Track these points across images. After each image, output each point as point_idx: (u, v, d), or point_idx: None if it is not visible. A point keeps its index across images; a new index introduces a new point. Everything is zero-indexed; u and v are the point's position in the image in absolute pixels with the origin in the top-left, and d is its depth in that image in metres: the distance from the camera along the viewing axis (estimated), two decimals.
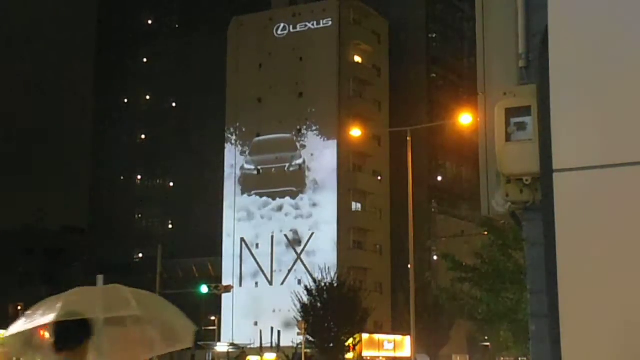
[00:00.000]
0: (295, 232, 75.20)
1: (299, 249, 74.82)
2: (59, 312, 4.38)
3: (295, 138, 76.40)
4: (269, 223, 76.29)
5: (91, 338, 4.41)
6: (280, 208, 76.37)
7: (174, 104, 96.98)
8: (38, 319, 4.50)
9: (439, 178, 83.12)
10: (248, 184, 78.01)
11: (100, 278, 4.83)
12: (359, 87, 77.82)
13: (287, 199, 76.12)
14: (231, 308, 74.63)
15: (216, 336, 66.85)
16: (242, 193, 78.39)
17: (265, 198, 77.11)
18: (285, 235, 75.38)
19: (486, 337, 43.24)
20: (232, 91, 79.39)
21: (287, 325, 60.92)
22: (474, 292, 24.82)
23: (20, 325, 4.63)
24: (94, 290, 5.00)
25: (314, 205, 74.50)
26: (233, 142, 79.61)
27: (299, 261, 74.13)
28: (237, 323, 73.42)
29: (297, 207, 75.65)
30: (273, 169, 76.87)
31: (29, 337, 4.54)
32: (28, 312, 4.56)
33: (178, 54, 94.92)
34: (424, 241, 68.62)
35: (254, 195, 77.69)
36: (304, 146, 75.99)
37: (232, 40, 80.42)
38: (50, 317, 4.39)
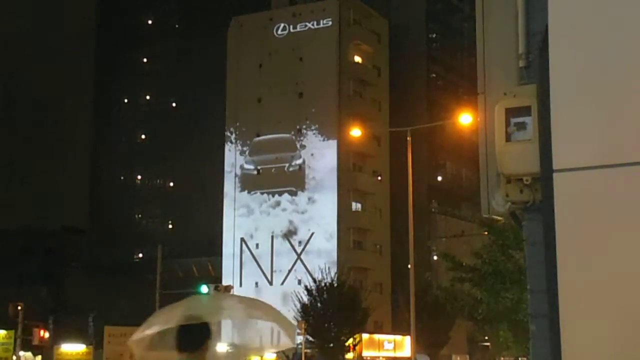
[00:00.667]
0: (291, 223, 75.14)
1: (294, 242, 74.77)
2: (180, 317, 4.87)
3: (295, 138, 76.39)
4: (269, 223, 76.27)
5: (210, 340, 4.96)
6: (280, 208, 76.36)
7: (174, 104, 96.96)
8: (161, 324, 5.04)
9: (439, 178, 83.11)
10: (248, 184, 78.00)
11: (211, 287, 5.35)
12: (359, 87, 77.81)
13: (287, 198, 76.11)
14: None
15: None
16: (242, 193, 78.38)
17: (265, 198, 77.10)
18: (286, 235, 75.38)
19: (486, 337, 43.29)
20: (232, 91, 79.37)
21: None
22: (473, 292, 24.84)
23: (141, 332, 5.18)
24: (208, 297, 5.38)
25: (314, 205, 74.50)
26: (233, 142, 79.60)
27: (299, 261, 74.13)
28: None
29: (297, 207, 75.64)
30: (273, 169, 76.86)
31: (149, 341, 5.07)
32: (149, 318, 5.17)
33: (178, 54, 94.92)
34: (424, 241, 68.62)
35: (253, 195, 77.69)
36: (303, 146, 75.98)
37: (232, 40, 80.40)
38: (172, 322, 4.89)
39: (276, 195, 76.62)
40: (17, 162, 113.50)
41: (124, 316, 57.65)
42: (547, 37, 3.62)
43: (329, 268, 57.56)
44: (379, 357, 59.05)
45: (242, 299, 5.76)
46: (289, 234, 75.41)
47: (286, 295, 61.82)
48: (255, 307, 5.55)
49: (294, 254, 74.75)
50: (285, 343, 5.54)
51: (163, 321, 5.09)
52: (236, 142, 79.39)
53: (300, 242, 74.84)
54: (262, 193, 77.24)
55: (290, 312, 56.33)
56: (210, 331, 4.99)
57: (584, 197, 3.43)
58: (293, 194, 76.00)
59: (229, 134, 79.89)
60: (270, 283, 75.32)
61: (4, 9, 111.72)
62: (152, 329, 5.07)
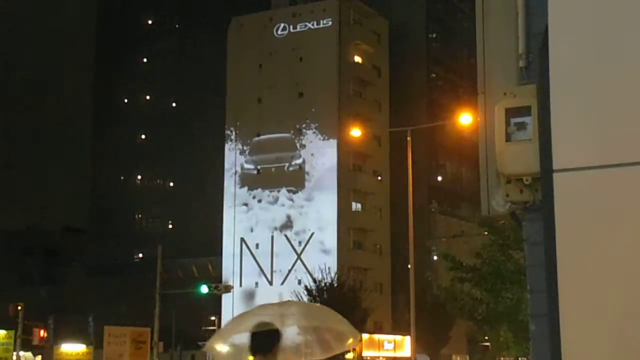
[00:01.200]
0: (291, 223, 75.14)
1: (294, 241, 74.76)
2: (253, 325, 5.55)
3: (295, 138, 76.39)
4: (269, 222, 76.26)
5: (279, 343, 5.51)
6: (280, 208, 76.36)
7: (174, 104, 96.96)
8: (235, 332, 5.80)
9: (439, 178, 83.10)
10: (248, 184, 78.00)
11: (284, 296, 5.94)
12: (359, 87, 77.81)
13: (287, 198, 76.12)
14: (231, 308, 74.61)
15: None
16: (242, 193, 78.38)
17: (265, 198, 77.10)
18: (286, 235, 75.37)
19: (486, 337, 43.21)
20: (232, 91, 79.38)
21: None
22: (473, 292, 24.82)
23: (218, 337, 6.06)
24: (275, 304, 6.19)
25: (314, 205, 74.49)
26: (233, 142, 79.60)
27: (299, 261, 74.12)
28: None
29: (297, 207, 75.63)
30: (273, 169, 76.86)
31: (224, 344, 5.84)
32: (226, 325, 6.11)
33: (178, 54, 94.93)
34: (424, 241, 68.58)
35: (253, 195, 77.69)
36: (303, 146, 75.99)
37: (232, 40, 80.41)
38: (247, 329, 5.57)
39: (276, 195, 76.62)
40: (17, 162, 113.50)
41: (124, 316, 57.73)
42: (547, 37, 3.62)
43: (329, 268, 57.54)
44: (379, 357, 59.04)
45: (308, 307, 6.87)
46: (289, 234, 75.41)
47: (286, 295, 61.82)
48: (320, 314, 6.34)
49: (294, 254, 74.74)
50: (349, 343, 6.39)
51: (237, 329, 5.79)
52: (236, 142, 79.39)
53: (300, 242, 74.83)
54: (262, 193, 77.24)
55: None
56: (279, 336, 5.52)
57: (584, 197, 3.43)
58: (293, 193, 76.00)
59: (229, 133, 79.89)
60: (270, 283, 75.31)
61: (3, 10, 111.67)
62: (227, 336, 5.85)
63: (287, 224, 75.51)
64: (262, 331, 5.47)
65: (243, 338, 5.62)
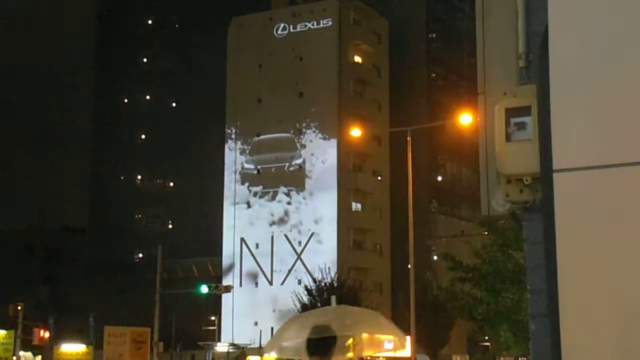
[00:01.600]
0: (291, 223, 75.16)
1: (294, 241, 74.76)
2: (310, 330, 5.88)
3: (295, 138, 76.40)
4: (269, 222, 76.27)
5: (335, 346, 5.89)
6: (280, 207, 76.37)
7: (174, 104, 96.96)
8: (293, 338, 6.08)
9: (439, 178, 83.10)
10: (248, 184, 78.00)
11: (333, 298, 6.50)
12: (359, 87, 77.81)
13: (287, 198, 76.12)
14: (231, 308, 74.63)
15: (216, 336, 66.87)
16: (243, 193, 78.38)
17: (265, 198, 77.11)
18: (286, 235, 75.37)
19: (486, 337, 43.23)
20: (232, 91, 79.39)
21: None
22: (473, 292, 24.83)
23: (275, 342, 6.34)
24: (330, 309, 6.55)
25: (314, 205, 74.49)
26: (233, 141, 79.61)
27: (299, 261, 74.12)
28: (237, 323, 73.42)
29: (297, 207, 75.64)
30: (273, 169, 76.87)
31: (281, 347, 6.19)
32: (283, 328, 6.32)
33: (178, 54, 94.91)
34: (424, 241, 68.60)
35: (253, 195, 77.69)
36: (304, 146, 75.99)
37: (232, 40, 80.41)
38: (304, 336, 5.89)
39: (276, 195, 76.62)
40: (17, 162, 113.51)
41: (124, 316, 57.71)
42: (547, 37, 3.62)
43: (329, 268, 57.53)
44: (379, 357, 59.00)
45: (364, 313, 7.07)
46: (289, 234, 75.41)
47: (286, 295, 61.83)
48: (376, 321, 6.70)
49: (294, 253, 74.74)
50: (394, 347, 7.03)
51: (294, 335, 6.09)
52: (236, 142, 79.40)
53: (300, 242, 74.82)
54: (262, 192, 77.24)
55: (291, 312, 56.35)
56: (335, 340, 5.91)
57: (584, 197, 3.43)
58: (293, 193, 76.00)
59: (229, 133, 79.90)
60: (270, 283, 75.33)
61: (3, 10, 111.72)
62: (285, 340, 6.17)
63: (287, 224, 75.50)
64: (320, 337, 5.84)
65: (300, 341, 5.96)
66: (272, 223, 76.12)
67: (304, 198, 75.50)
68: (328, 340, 5.84)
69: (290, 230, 75.30)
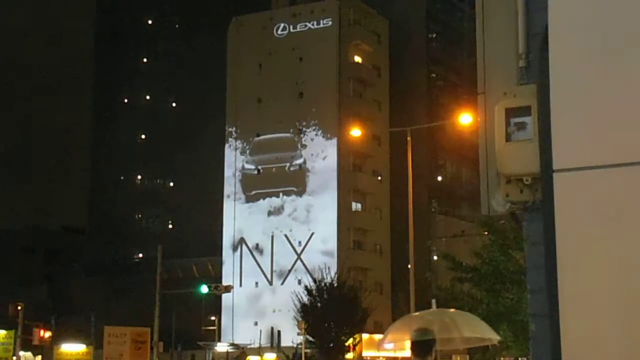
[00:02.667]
0: (291, 223, 75.15)
1: (294, 241, 74.77)
2: (415, 333, 6.75)
3: (295, 138, 76.41)
4: (269, 223, 76.28)
5: (435, 346, 6.75)
6: (280, 208, 76.39)
7: (174, 104, 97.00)
8: (399, 340, 7.26)
9: (439, 178, 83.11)
10: (248, 184, 78.00)
11: (433, 302, 7.42)
12: (359, 87, 77.81)
13: (287, 198, 76.12)
14: (231, 308, 74.64)
15: (216, 336, 66.85)
16: (243, 193, 78.39)
17: (265, 198, 77.12)
18: (286, 235, 75.38)
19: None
20: (232, 91, 79.39)
21: (287, 325, 60.93)
22: (473, 292, 24.83)
23: (385, 341, 7.59)
24: (431, 312, 7.68)
25: (314, 204, 74.50)
26: (233, 142, 79.62)
27: (299, 261, 74.13)
28: (237, 323, 73.43)
29: (297, 207, 75.65)
30: (273, 169, 76.88)
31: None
32: (390, 330, 7.50)
33: (178, 54, 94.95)
34: (424, 241, 68.60)
35: (254, 195, 77.69)
36: (304, 146, 76.00)
37: (232, 40, 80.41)
38: (408, 337, 6.84)
39: (276, 195, 76.62)
40: (17, 162, 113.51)
41: (124, 316, 57.71)
42: (547, 37, 3.63)
43: (329, 268, 57.56)
44: (379, 357, 59.04)
45: (462, 316, 7.93)
46: (289, 234, 75.41)
47: (286, 295, 61.86)
48: (473, 324, 7.62)
49: (294, 253, 74.74)
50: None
51: (401, 337, 7.20)
52: (236, 142, 79.41)
53: (300, 242, 74.83)
54: (262, 192, 77.24)
55: (291, 312, 56.42)
56: (435, 342, 6.74)
57: (584, 197, 3.44)
58: (293, 193, 76.00)
59: (229, 133, 79.91)
60: (270, 283, 75.33)
61: (2, 9, 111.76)
62: (393, 339, 7.32)
63: (287, 224, 75.50)
64: (423, 340, 6.68)
65: (406, 341, 6.93)
66: (272, 223, 76.11)
67: (304, 198, 75.50)
68: (430, 342, 6.67)
69: (290, 230, 75.29)
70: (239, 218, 77.79)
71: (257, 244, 76.71)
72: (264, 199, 77.16)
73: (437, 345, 6.84)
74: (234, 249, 77.63)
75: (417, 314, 8.45)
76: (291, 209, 75.83)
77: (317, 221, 73.90)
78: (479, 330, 7.63)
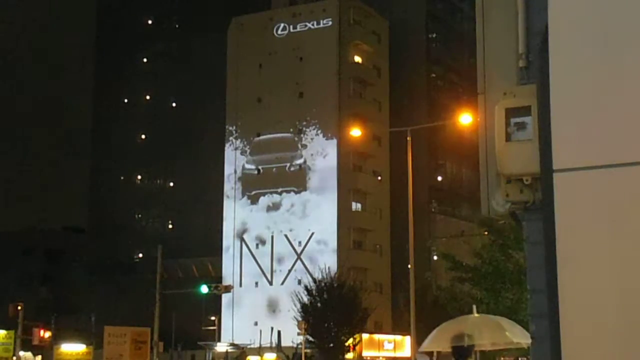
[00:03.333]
0: (291, 223, 75.15)
1: (294, 241, 74.77)
2: (454, 338, 7.29)
3: (295, 138, 76.42)
4: (269, 223, 76.27)
5: (472, 350, 7.28)
6: (280, 208, 76.39)
7: (174, 104, 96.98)
8: (440, 346, 7.86)
9: (439, 178, 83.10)
10: (248, 184, 78.01)
11: (474, 308, 8.13)
12: (359, 87, 77.81)
13: (287, 198, 76.13)
14: (231, 308, 74.64)
15: (216, 336, 66.86)
16: (243, 192, 78.40)
17: (265, 198, 77.12)
18: (286, 235, 75.38)
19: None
20: (232, 91, 79.39)
21: (287, 325, 60.91)
22: (473, 292, 24.84)
23: (427, 346, 8.35)
24: (471, 318, 8.06)
25: (314, 205, 74.50)
26: (233, 142, 79.63)
27: (299, 261, 74.13)
28: (237, 323, 73.43)
29: (297, 207, 75.65)
30: (274, 169, 76.89)
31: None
32: (432, 337, 8.08)
33: (178, 54, 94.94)
34: (424, 241, 68.59)
35: (254, 195, 77.69)
36: (304, 146, 76.01)
37: (232, 40, 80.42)
38: (448, 343, 7.38)
39: (276, 195, 76.63)
40: (17, 162, 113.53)
41: (124, 316, 57.72)
42: (547, 37, 3.63)
43: (329, 268, 57.55)
44: (379, 357, 59.04)
45: (501, 322, 8.43)
46: (289, 234, 75.41)
47: (286, 295, 61.85)
48: (511, 330, 8.14)
49: (294, 253, 74.74)
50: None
51: (439, 343, 7.73)
52: (237, 142, 79.42)
53: (300, 242, 74.83)
54: (262, 192, 77.25)
55: (291, 312, 56.42)
56: (473, 347, 7.32)
57: (584, 197, 3.44)
58: (293, 193, 76.00)
59: (229, 133, 79.92)
60: (270, 283, 75.33)
61: (2, 9, 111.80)
62: (434, 344, 7.91)
63: (287, 224, 75.50)
64: (461, 345, 7.21)
65: (446, 345, 7.45)
66: (272, 223, 76.10)
67: (304, 198, 75.51)
68: (468, 348, 7.19)
69: (291, 230, 75.30)
70: (239, 218, 77.80)
71: (257, 244, 76.71)
72: (264, 198, 77.16)
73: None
74: (234, 248, 77.63)
75: (458, 318, 9.23)
76: (291, 209, 75.83)
77: (317, 221, 73.90)
78: (516, 338, 8.01)
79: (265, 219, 76.59)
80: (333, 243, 73.14)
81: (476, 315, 7.83)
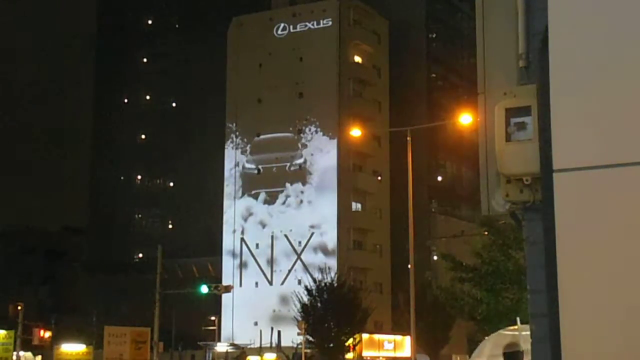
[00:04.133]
0: (291, 223, 75.13)
1: (294, 241, 74.78)
2: (505, 346, 7.80)
3: (295, 138, 76.43)
4: (269, 223, 76.29)
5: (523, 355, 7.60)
6: (280, 207, 76.38)
7: (174, 104, 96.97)
8: (492, 355, 8.48)
9: (439, 178, 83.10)
10: (248, 183, 78.01)
11: (518, 320, 8.62)
12: (359, 87, 77.81)
13: (287, 198, 76.13)
14: (231, 308, 74.63)
15: (216, 336, 66.88)
16: (243, 192, 78.40)
17: (265, 198, 77.12)
18: (286, 235, 75.39)
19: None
20: (232, 91, 79.40)
21: (287, 325, 60.93)
22: (473, 292, 24.86)
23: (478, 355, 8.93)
24: (520, 326, 8.50)
25: (314, 205, 74.50)
26: (233, 141, 79.64)
27: (299, 261, 74.13)
28: (237, 323, 73.43)
29: (297, 207, 75.64)
30: (274, 169, 76.90)
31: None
32: (482, 347, 8.82)
33: (178, 54, 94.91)
34: (424, 241, 68.60)
35: (254, 195, 77.70)
36: (304, 146, 76.02)
37: (232, 40, 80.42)
38: (500, 350, 7.85)
39: (276, 195, 76.63)
40: (18, 162, 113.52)
41: (124, 316, 57.76)
42: (547, 37, 3.63)
43: (329, 268, 57.57)
44: (379, 357, 59.06)
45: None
46: (289, 234, 75.42)
47: (286, 295, 61.87)
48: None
49: (294, 254, 74.75)
50: None
51: (491, 352, 8.40)
52: (236, 141, 79.43)
53: (300, 242, 74.84)
54: (262, 192, 77.26)
55: (290, 312, 56.44)
56: (522, 354, 7.60)
57: (584, 197, 3.43)
58: (293, 193, 75.99)
59: (229, 133, 79.93)
60: (270, 283, 75.33)
61: (2, 9, 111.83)
62: (486, 353, 8.50)
63: (287, 224, 75.50)
64: (512, 352, 7.62)
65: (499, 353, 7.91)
66: (272, 223, 76.11)
67: (304, 198, 75.51)
68: (518, 354, 7.55)
69: (291, 230, 75.31)
70: (239, 218, 77.80)
71: (257, 244, 76.71)
72: (264, 198, 77.17)
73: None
74: (234, 248, 77.63)
75: (506, 329, 9.90)
76: (291, 209, 75.83)
77: (317, 221, 73.90)
78: None
79: (265, 219, 76.60)
80: (333, 243, 73.14)
81: (522, 325, 8.70)
